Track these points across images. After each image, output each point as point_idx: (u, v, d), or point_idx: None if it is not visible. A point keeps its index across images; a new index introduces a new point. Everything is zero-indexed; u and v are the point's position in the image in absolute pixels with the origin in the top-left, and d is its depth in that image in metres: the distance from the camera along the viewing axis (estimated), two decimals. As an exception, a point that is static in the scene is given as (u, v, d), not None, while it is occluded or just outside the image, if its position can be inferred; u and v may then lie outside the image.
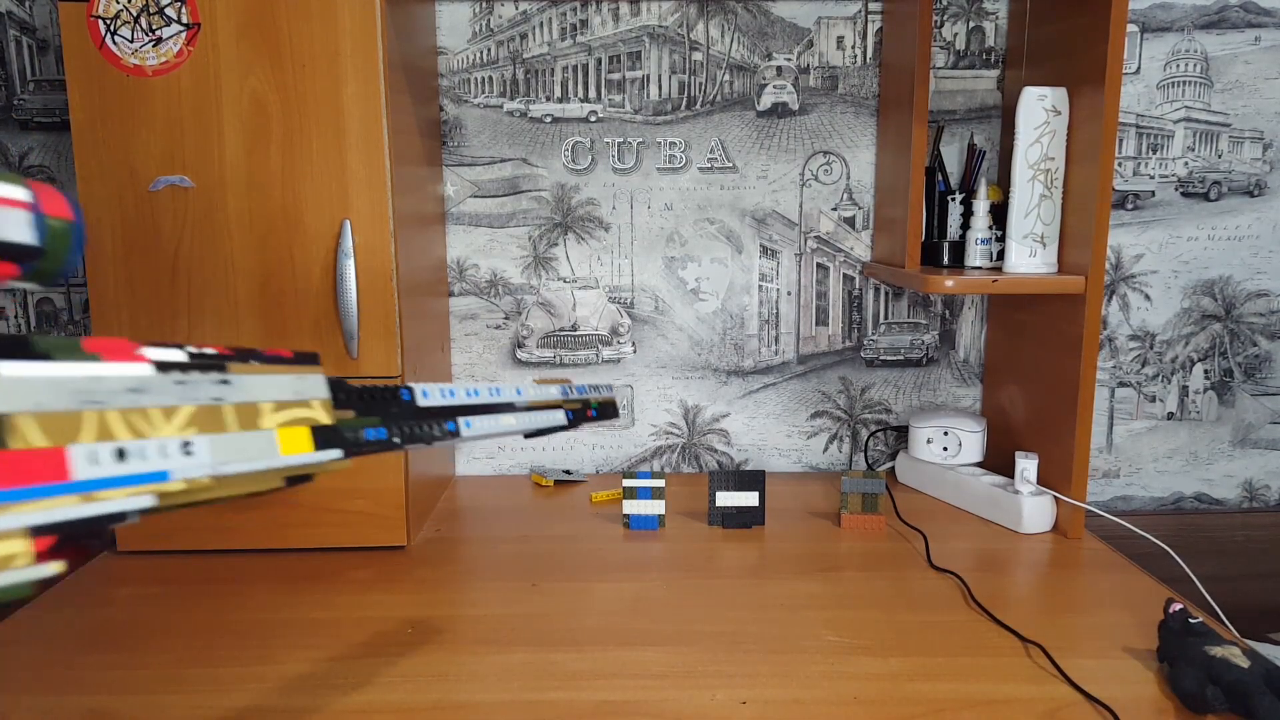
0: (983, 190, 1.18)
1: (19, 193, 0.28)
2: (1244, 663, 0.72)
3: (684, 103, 1.33)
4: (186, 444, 0.30)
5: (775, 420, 1.41)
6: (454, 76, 1.32)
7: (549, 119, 1.33)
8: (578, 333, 1.38)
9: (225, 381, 0.33)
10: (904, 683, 0.77)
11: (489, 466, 1.41)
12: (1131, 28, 1.31)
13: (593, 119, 1.33)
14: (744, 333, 1.39)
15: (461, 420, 0.44)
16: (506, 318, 1.38)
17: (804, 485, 1.33)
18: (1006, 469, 1.26)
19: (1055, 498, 1.13)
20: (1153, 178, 1.35)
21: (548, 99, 1.33)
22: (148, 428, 0.29)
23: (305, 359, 0.38)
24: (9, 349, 0.26)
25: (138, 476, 0.28)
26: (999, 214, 1.19)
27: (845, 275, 1.38)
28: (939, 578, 0.99)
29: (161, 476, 0.29)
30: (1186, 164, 1.34)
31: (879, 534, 1.13)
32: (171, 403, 0.30)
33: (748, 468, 1.38)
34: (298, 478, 0.35)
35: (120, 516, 0.28)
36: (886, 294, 1.39)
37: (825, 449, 1.42)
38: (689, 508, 1.23)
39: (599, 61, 1.32)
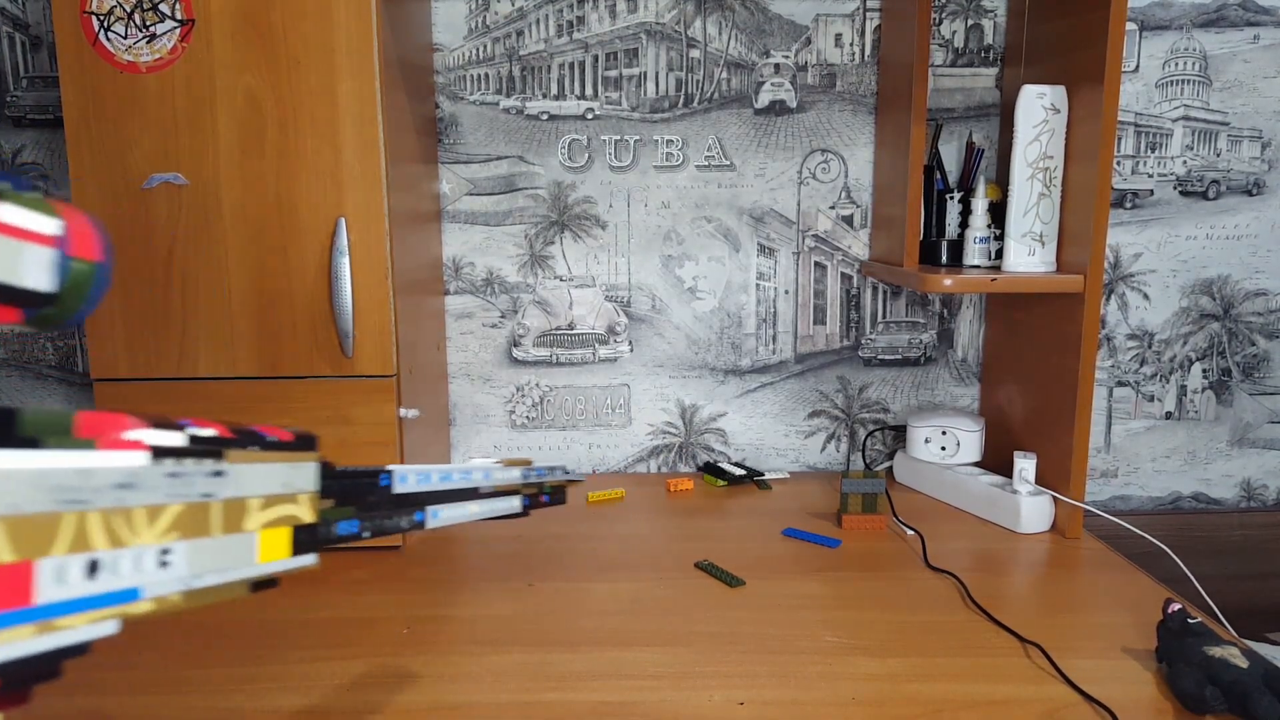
0: (981, 189, 1.17)
1: (47, 226, 0.25)
2: (1243, 663, 0.72)
3: (681, 100, 1.33)
4: (165, 553, 0.28)
5: (773, 420, 1.41)
6: (450, 73, 1.31)
7: (545, 116, 1.33)
8: (574, 331, 1.38)
9: (219, 473, 0.31)
10: (902, 683, 0.77)
11: (485, 466, 1.40)
12: (1130, 26, 1.31)
13: (589, 116, 1.33)
14: (741, 332, 1.38)
15: (429, 510, 0.45)
16: (503, 316, 1.37)
17: (802, 485, 1.33)
18: (1005, 469, 1.26)
19: (1053, 497, 1.13)
20: (1151, 176, 1.34)
21: (544, 96, 1.32)
22: (128, 533, 0.27)
23: (304, 443, 0.36)
24: None
25: (106, 597, 0.26)
26: (997, 212, 1.19)
27: (843, 274, 1.38)
28: (937, 578, 0.99)
29: (131, 595, 0.27)
30: (1185, 163, 1.34)
31: (879, 534, 1.12)
32: (159, 500, 0.28)
33: (746, 466, 1.37)
34: (264, 582, 0.34)
35: (79, 649, 0.26)
36: (884, 293, 1.38)
37: (823, 448, 1.42)
38: (688, 507, 1.23)
39: (596, 59, 1.32)
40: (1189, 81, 1.32)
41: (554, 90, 1.32)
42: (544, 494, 0.56)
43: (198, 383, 1.04)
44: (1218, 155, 1.34)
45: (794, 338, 1.39)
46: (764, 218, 1.36)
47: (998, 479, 1.19)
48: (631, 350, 1.38)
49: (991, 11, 1.31)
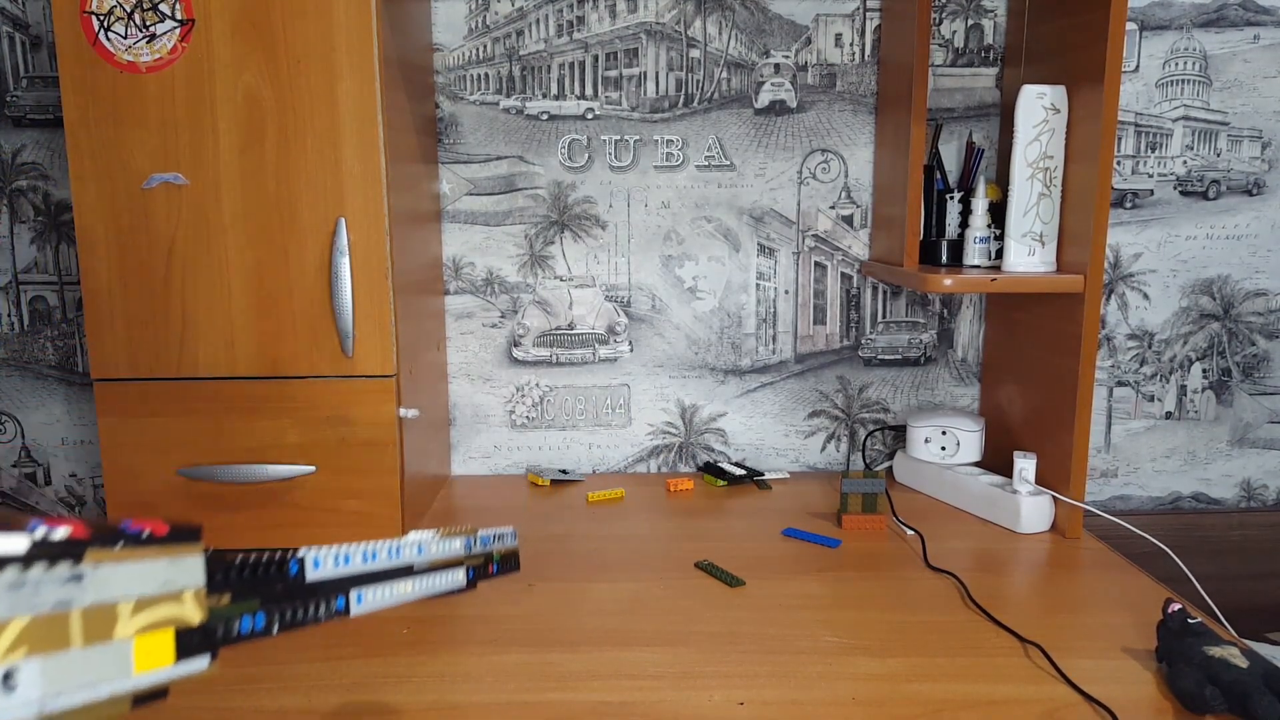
0: (981, 189, 1.17)
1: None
2: (1242, 663, 0.72)
3: (681, 100, 1.33)
4: (7, 676, 0.24)
5: (773, 420, 1.41)
6: (450, 73, 1.31)
7: (545, 116, 1.33)
8: (574, 331, 1.38)
9: (76, 578, 0.27)
10: (902, 683, 0.77)
11: (485, 466, 1.41)
12: (1130, 26, 1.31)
13: (589, 116, 1.33)
14: (741, 331, 1.38)
15: (352, 595, 0.41)
16: (502, 316, 1.37)
17: (801, 485, 1.33)
18: (1005, 469, 1.26)
19: (1053, 497, 1.13)
20: (1151, 176, 1.34)
21: (544, 96, 1.32)
22: None
23: (182, 535, 0.32)
24: None
25: None
26: (997, 212, 1.19)
27: (843, 274, 1.38)
28: (937, 578, 0.99)
29: None
30: (1185, 162, 1.34)
31: (879, 534, 1.12)
32: (2, 616, 0.24)
33: (746, 466, 1.37)
34: (149, 694, 0.30)
35: None
36: (884, 293, 1.38)
37: (823, 448, 1.42)
38: (688, 507, 1.23)
39: (596, 58, 1.32)
40: (1189, 81, 1.32)
41: (554, 90, 1.32)
42: (493, 563, 0.52)
43: (198, 383, 1.04)
44: (1218, 155, 1.34)
45: (794, 338, 1.39)
46: (764, 218, 1.36)
47: (998, 479, 1.19)
48: (631, 350, 1.38)
49: (991, 11, 1.31)
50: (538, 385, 1.39)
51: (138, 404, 1.04)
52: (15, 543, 0.25)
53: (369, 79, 0.99)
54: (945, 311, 1.39)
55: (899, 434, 1.41)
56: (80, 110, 0.99)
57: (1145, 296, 1.37)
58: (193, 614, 0.32)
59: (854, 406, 1.41)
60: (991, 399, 1.34)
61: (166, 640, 0.30)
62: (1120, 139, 1.33)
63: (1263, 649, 1.17)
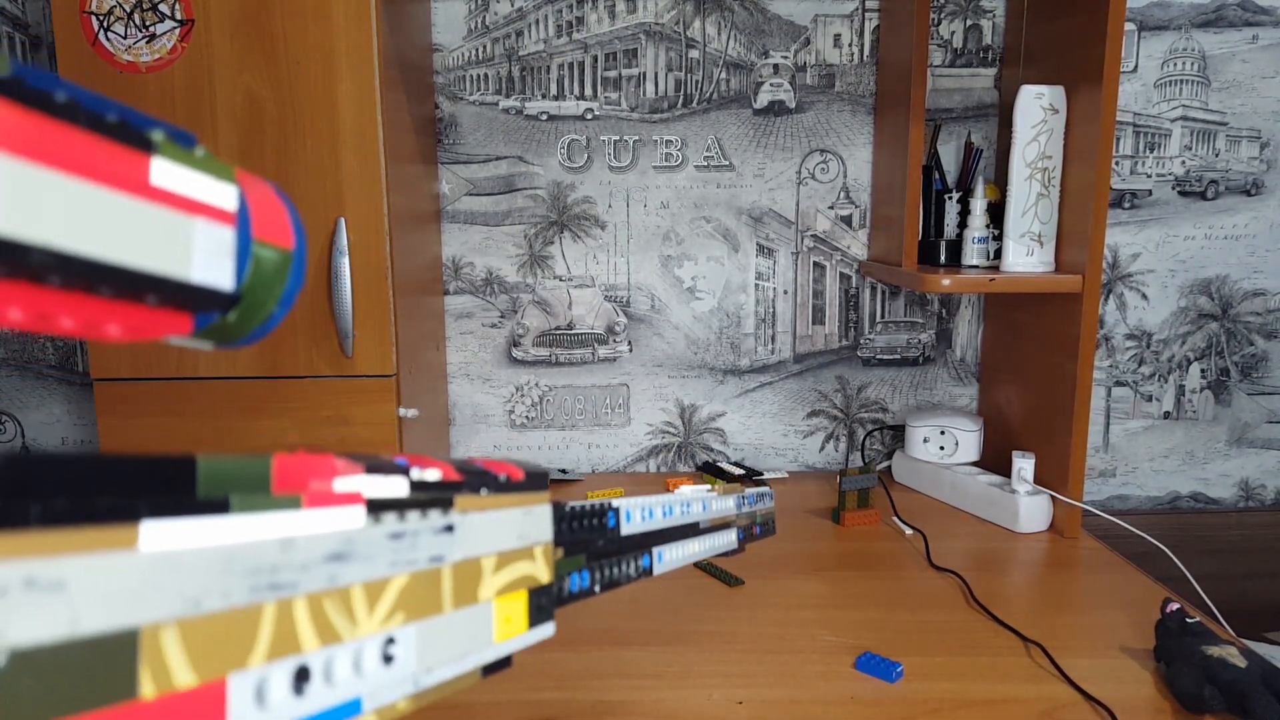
0: (980, 189, 1.17)
1: (222, 196, 0.18)
2: (1241, 662, 0.72)
3: (680, 100, 1.33)
4: (389, 644, 0.22)
5: (772, 419, 1.41)
6: (449, 74, 1.32)
7: (545, 116, 1.33)
8: (573, 331, 1.38)
9: (449, 528, 0.25)
10: (901, 683, 0.77)
11: (485, 465, 1.41)
12: (1129, 26, 1.31)
13: (589, 117, 1.33)
14: (740, 331, 1.39)
15: (655, 554, 0.40)
16: (502, 316, 1.37)
17: (800, 485, 1.33)
18: (1003, 468, 1.26)
19: (1052, 497, 1.13)
20: (1150, 176, 1.35)
21: (543, 96, 1.32)
22: (345, 623, 0.20)
23: (536, 482, 0.30)
24: (165, 489, 0.16)
25: (318, 718, 0.19)
26: (996, 213, 1.19)
27: (842, 274, 1.38)
28: (936, 577, 0.99)
29: (351, 710, 0.20)
30: (1184, 163, 1.34)
31: (875, 528, 1.13)
32: (381, 574, 0.21)
33: (745, 466, 1.37)
34: (497, 664, 0.28)
35: None
36: (883, 293, 1.38)
37: (821, 448, 1.42)
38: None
39: (595, 59, 1.32)
40: (1187, 82, 1.33)
41: (553, 90, 1.32)
42: (757, 525, 0.52)
43: (198, 382, 1.04)
44: (1216, 155, 1.34)
45: (793, 337, 1.39)
46: (763, 218, 1.36)
47: (996, 478, 1.20)
48: (630, 350, 1.39)
49: (990, 12, 1.31)
50: (537, 385, 1.39)
51: (138, 404, 1.04)
52: (395, 484, 0.22)
53: (369, 79, 0.99)
54: (944, 311, 1.39)
55: (898, 434, 1.41)
56: (80, 110, 0.99)
57: (1144, 296, 1.37)
58: (542, 572, 0.30)
59: (853, 406, 1.41)
60: (990, 399, 1.35)
61: (521, 603, 0.28)
62: (1119, 139, 1.34)
63: (1261, 648, 1.17)
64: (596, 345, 1.38)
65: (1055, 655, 0.81)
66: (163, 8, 0.97)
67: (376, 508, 0.21)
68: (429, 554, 0.23)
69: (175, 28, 0.98)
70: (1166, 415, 1.40)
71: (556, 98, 1.33)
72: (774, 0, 1.31)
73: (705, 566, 1.01)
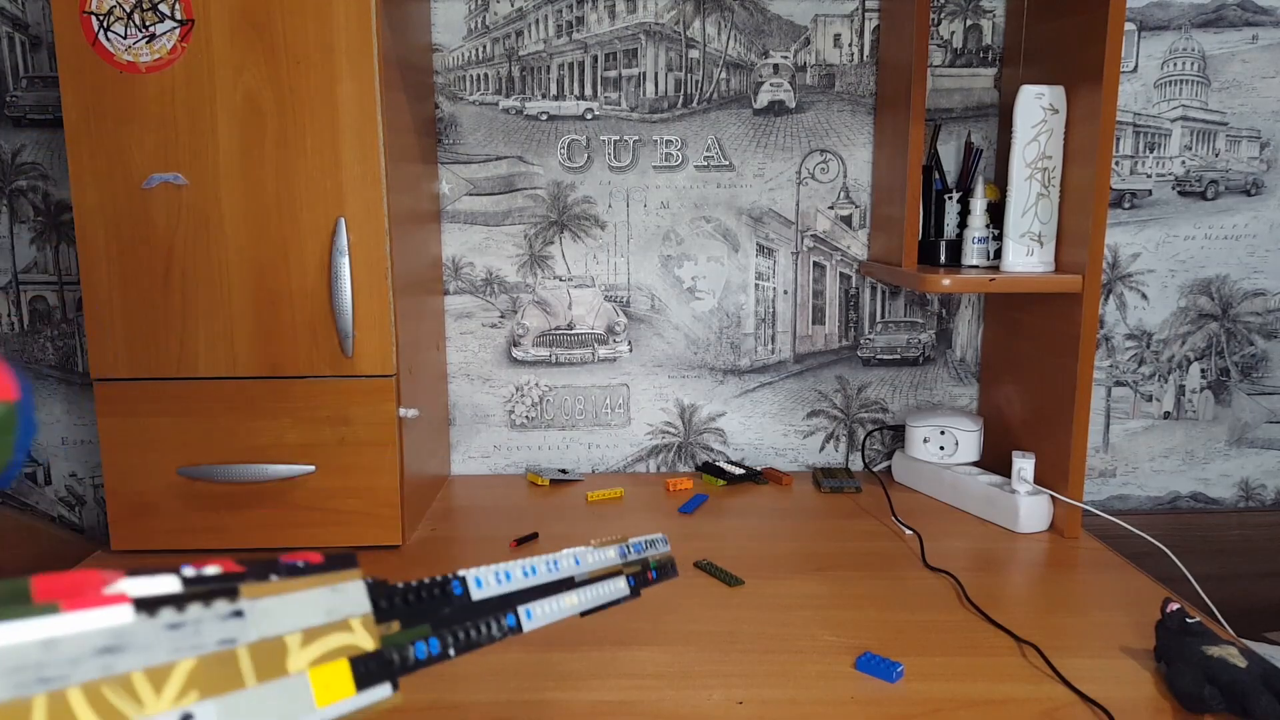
0: (980, 189, 1.17)
1: None
2: (1241, 662, 0.72)
3: (680, 100, 1.33)
4: (187, 718, 0.23)
5: (772, 419, 1.41)
6: (449, 73, 1.32)
7: (545, 116, 1.33)
8: (573, 331, 1.38)
9: (237, 613, 0.26)
10: (901, 683, 0.77)
11: (485, 466, 1.41)
12: (1129, 26, 1.31)
13: (589, 117, 1.33)
14: (740, 331, 1.39)
15: (521, 612, 0.40)
16: (502, 316, 1.37)
17: (800, 484, 1.33)
18: (1003, 468, 1.26)
19: (1052, 497, 1.13)
20: (1150, 176, 1.35)
21: (543, 96, 1.32)
22: (132, 705, 0.21)
23: (339, 563, 0.31)
24: None
25: None
26: (996, 213, 1.19)
27: (842, 274, 1.38)
28: (935, 577, 0.99)
29: None
30: (1184, 163, 1.34)
31: (876, 533, 1.13)
32: (163, 659, 0.23)
33: (745, 466, 1.37)
34: None
35: None
36: (883, 293, 1.38)
37: (821, 448, 1.42)
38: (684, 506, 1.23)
39: (595, 59, 1.32)
40: (1187, 82, 1.33)
41: (553, 90, 1.32)
42: (650, 570, 0.51)
43: (198, 383, 1.04)
44: (1216, 155, 1.34)
45: (793, 337, 1.39)
46: (763, 218, 1.36)
47: (996, 479, 1.20)
48: (631, 350, 1.39)
49: (990, 12, 1.31)
50: (537, 385, 1.39)
51: (138, 404, 1.04)
52: (167, 582, 0.24)
53: (369, 79, 0.99)
54: (944, 311, 1.39)
55: (898, 434, 1.41)
56: (80, 110, 0.99)
57: (1143, 296, 1.37)
58: (365, 641, 0.31)
59: (853, 406, 1.41)
60: (990, 399, 1.35)
61: (343, 671, 0.29)
62: (1119, 139, 1.34)
63: (1261, 649, 1.17)
64: (596, 345, 1.38)
65: (1056, 655, 0.81)
66: (163, 8, 0.97)
67: (146, 605, 0.22)
68: (217, 638, 0.24)
69: (175, 28, 0.98)
70: (1166, 415, 1.40)
71: (556, 98, 1.33)
72: (774, 0, 1.31)
73: (705, 566, 1.01)
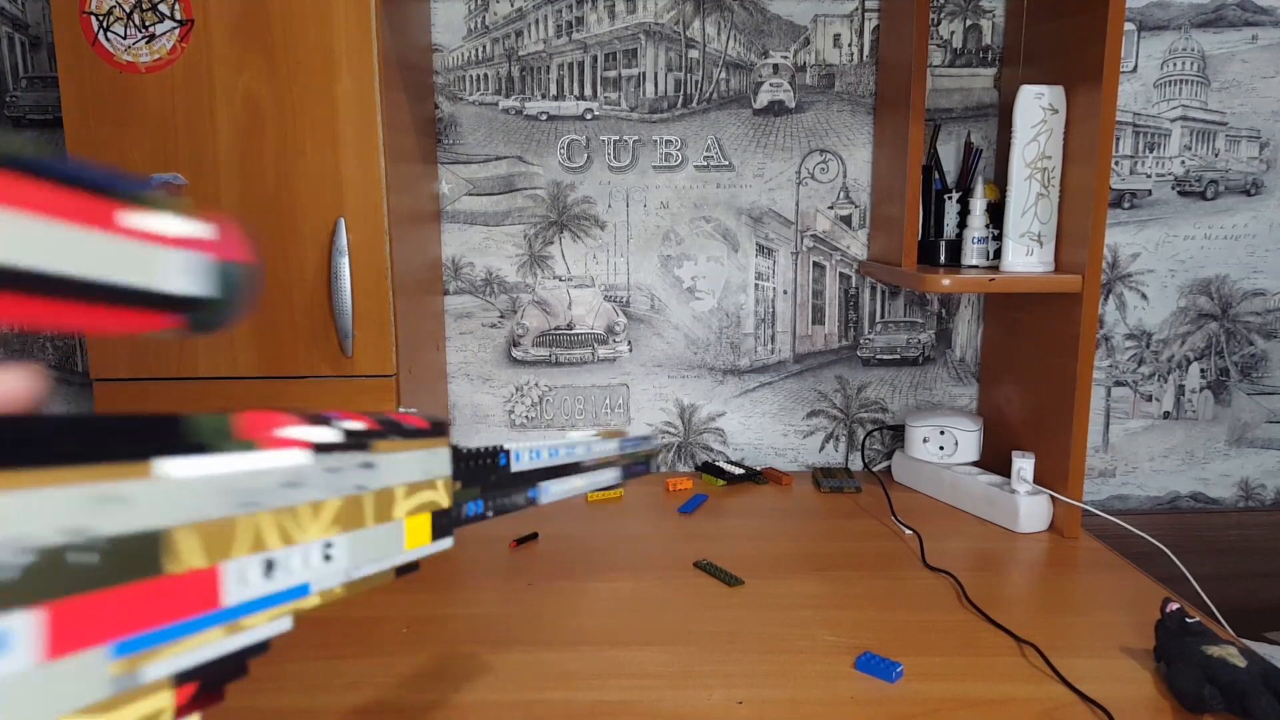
0: (979, 189, 1.17)
1: (192, 230, 0.25)
2: (1241, 662, 0.72)
3: (680, 101, 1.33)
4: (328, 546, 0.29)
5: (771, 419, 1.41)
6: (449, 74, 1.32)
7: (544, 117, 1.33)
8: (573, 331, 1.38)
9: (369, 465, 0.32)
10: (901, 683, 0.77)
11: (485, 465, 1.41)
12: (1129, 26, 1.31)
13: (588, 117, 1.33)
14: (740, 331, 1.39)
15: (542, 487, 0.46)
16: (502, 316, 1.37)
17: (799, 484, 1.33)
18: (1003, 468, 1.26)
19: (1052, 497, 1.13)
20: (1149, 176, 1.35)
21: (543, 96, 1.32)
22: (297, 530, 0.27)
23: (438, 430, 0.37)
24: (160, 437, 0.23)
25: (281, 595, 0.26)
26: (996, 213, 1.19)
27: (842, 274, 1.38)
28: (935, 577, 0.99)
29: (302, 591, 0.28)
30: (1183, 163, 1.34)
31: (875, 533, 1.13)
32: (320, 497, 0.29)
33: (745, 466, 1.37)
34: (406, 568, 0.35)
35: (261, 647, 0.26)
36: (883, 293, 1.38)
37: (821, 448, 1.42)
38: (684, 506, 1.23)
39: (595, 59, 1.32)
40: (1187, 82, 1.33)
41: (553, 90, 1.32)
42: (637, 464, 0.58)
43: (198, 383, 1.04)
44: (1216, 155, 1.34)
45: (792, 337, 1.39)
46: (762, 218, 1.36)
47: (996, 478, 1.20)
48: (630, 350, 1.39)
49: (990, 12, 1.31)
50: (537, 385, 1.39)
51: (138, 404, 1.04)
52: (331, 433, 0.29)
53: (368, 80, 0.99)
54: (943, 311, 1.39)
55: (897, 434, 1.41)
56: (80, 110, 0.99)
57: (1143, 296, 1.37)
58: (443, 499, 0.37)
59: (852, 406, 1.41)
60: (990, 399, 1.35)
61: (425, 523, 0.35)
62: (1118, 139, 1.34)
63: (1261, 648, 1.17)
64: (596, 345, 1.38)
65: (1056, 655, 0.81)
66: (162, 8, 0.97)
67: (320, 449, 0.28)
68: (355, 483, 0.30)
69: (175, 28, 0.98)
70: (1166, 415, 1.40)
71: (556, 98, 1.33)
72: (774, 0, 1.31)
73: (705, 566, 1.01)
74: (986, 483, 1.18)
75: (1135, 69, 1.32)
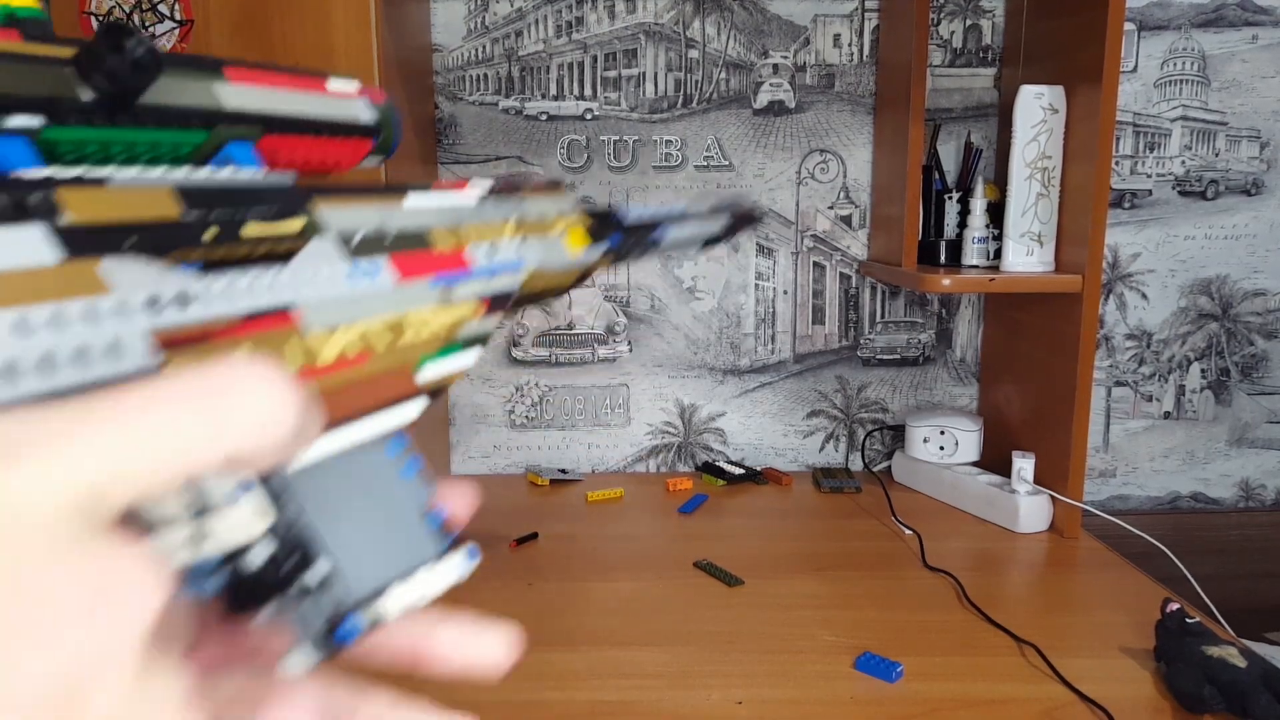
0: (980, 189, 1.17)
1: (353, 85, 0.37)
2: (1241, 662, 0.72)
3: (680, 101, 1.33)
4: (522, 242, 0.39)
5: (771, 419, 1.41)
6: (449, 74, 1.32)
7: (544, 117, 1.33)
8: (573, 331, 1.38)
9: (518, 203, 0.41)
10: (901, 683, 0.77)
11: (484, 466, 1.41)
12: (1129, 26, 1.31)
13: (588, 117, 1.33)
14: (740, 331, 1.39)
15: (662, 229, 0.52)
16: (502, 316, 1.37)
17: (799, 484, 1.33)
18: (1003, 468, 1.26)
19: (1052, 497, 1.13)
20: (1150, 176, 1.35)
21: (543, 97, 1.32)
22: (498, 233, 0.37)
23: (555, 185, 0.45)
24: (393, 190, 0.33)
25: (506, 265, 0.37)
26: (996, 213, 1.19)
27: (842, 274, 1.38)
28: (935, 577, 0.99)
29: (517, 265, 0.38)
30: (1183, 162, 1.34)
31: (875, 533, 1.13)
32: (501, 217, 0.38)
33: (745, 466, 1.37)
34: (582, 276, 0.44)
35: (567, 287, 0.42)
36: (883, 293, 1.38)
37: (821, 448, 1.42)
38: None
39: (595, 59, 1.32)
40: (1187, 81, 1.33)
41: (553, 91, 1.32)
42: (745, 215, 0.60)
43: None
44: (1216, 155, 1.34)
45: (793, 337, 1.39)
46: (762, 218, 1.36)
47: (996, 478, 1.20)
48: (630, 350, 1.39)
49: (990, 11, 1.31)
50: (537, 385, 1.39)
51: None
52: (486, 186, 0.38)
53: (368, 80, 0.99)
54: (944, 311, 1.39)
55: (898, 434, 1.41)
56: (79, 111, 0.99)
57: (1144, 296, 1.37)
58: (582, 224, 0.45)
59: (853, 406, 1.41)
60: (990, 399, 1.35)
61: (580, 234, 0.43)
62: (1118, 139, 1.34)
63: (1261, 649, 1.17)
64: (596, 345, 1.38)
65: (1056, 655, 0.81)
66: (162, 8, 0.97)
67: (481, 198, 0.37)
68: (516, 214, 0.39)
69: (175, 28, 0.98)
70: (1167, 415, 1.40)
71: (556, 98, 1.33)
72: (774, 0, 1.31)
73: (705, 566, 1.01)
74: (986, 483, 1.18)
75: (1135, 69, 1.32)
